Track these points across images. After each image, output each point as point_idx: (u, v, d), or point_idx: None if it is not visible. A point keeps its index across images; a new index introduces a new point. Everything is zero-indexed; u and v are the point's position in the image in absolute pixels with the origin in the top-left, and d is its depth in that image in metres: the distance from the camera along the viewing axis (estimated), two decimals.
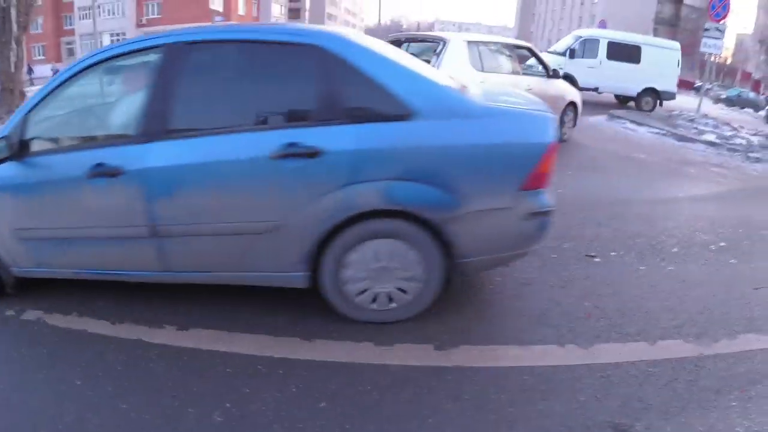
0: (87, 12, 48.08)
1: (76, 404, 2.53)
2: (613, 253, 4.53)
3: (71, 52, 52.86)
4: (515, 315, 3.39)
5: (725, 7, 13.93)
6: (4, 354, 3.07)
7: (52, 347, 3.03)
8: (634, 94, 16.44)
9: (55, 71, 38.18)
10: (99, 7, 45.25)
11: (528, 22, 74.53)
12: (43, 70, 39.61)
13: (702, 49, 15.06)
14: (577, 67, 15.60)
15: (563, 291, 3.75)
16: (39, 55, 49.29)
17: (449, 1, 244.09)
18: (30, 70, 38.90)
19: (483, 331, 3.16)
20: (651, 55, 16.41)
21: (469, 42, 7.26)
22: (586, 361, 2.89)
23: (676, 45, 17.50)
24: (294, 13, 74.14)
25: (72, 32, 52.99)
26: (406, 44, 8.03)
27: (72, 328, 3.22)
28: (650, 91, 16.53)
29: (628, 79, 16.02)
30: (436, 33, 7.92)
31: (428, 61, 6.96)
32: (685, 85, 51.15)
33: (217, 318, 3.23)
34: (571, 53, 16.09)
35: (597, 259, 4.38)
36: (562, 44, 17.21)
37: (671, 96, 17.45)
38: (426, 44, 7.80)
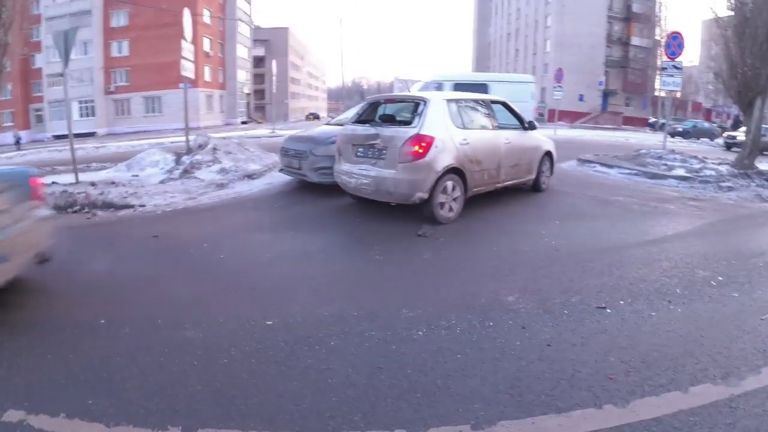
0: (55, 79, 48.59)
1: None
2: (621, 302, 4.45)
3: (40, 119, 53.46)
4: (544, 380, 3.21)
5: (680, 46, 14.35)
6: None
7: None
8: None
9: (18, 138, 38.13)
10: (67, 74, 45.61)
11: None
12: (6, 137, 39.64)
13: (661, 87, 15.46)
14: None
15: (585, 348, 3.62)
16: (8, 122, 48.97)
17: (406, 60, 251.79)
18: (17, 138, 38.51)
19: (516, 402, 2.98)
20: (500, 92, 15.54)
21: (448, 100, 7.29)
22: (628, 420, 2.79)
23: (528, 78, 17.59)
24: (259, 78, 75.35)
25: (41, 99, 52.71)
26: (383, 105, 8.04)
27: None
28: None
29: None
30: (415, 93, 7.93)
31: (408, 122, 6.96)
32: (639, 122, 53.13)
33: (229, 413, 2.95)
34: None
35: (608, 311, 4.27)
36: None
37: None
38: (404, 104, 7.85)
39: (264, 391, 3.16)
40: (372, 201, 7.56)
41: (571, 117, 50.32)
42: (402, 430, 2.74)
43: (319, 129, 10.86)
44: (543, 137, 9.43)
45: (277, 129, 33.40)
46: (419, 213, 7.05)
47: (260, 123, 61.82)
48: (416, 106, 7.14)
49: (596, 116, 54.81)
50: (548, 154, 9.45)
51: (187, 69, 13.13)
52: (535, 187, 9.34)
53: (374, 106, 8.17)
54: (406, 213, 7.28)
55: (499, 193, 8.46)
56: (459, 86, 15.45)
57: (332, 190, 8.51)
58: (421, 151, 6.62)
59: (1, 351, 3.83)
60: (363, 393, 3.10)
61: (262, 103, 77.05)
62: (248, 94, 70.57)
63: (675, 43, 14.46)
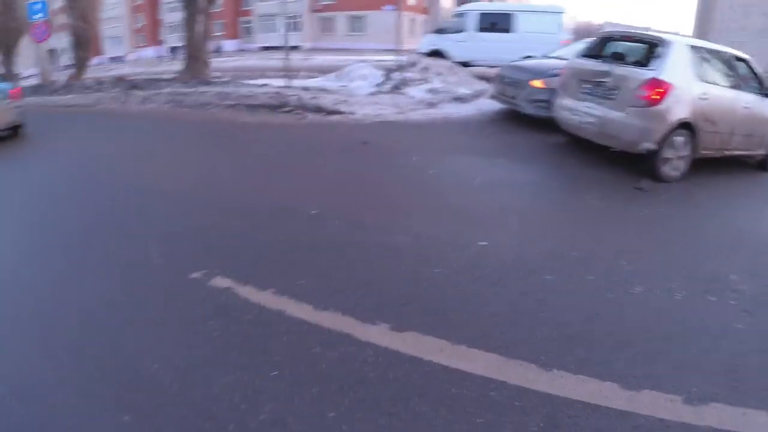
0: None
1: (272, 403, 2.35)
2: None
3: (248, 31, 57.38)
4: (764, 373, 2.89)
5: None
6: (188, 322, 2.88)
7: (244, 324, 2.85)
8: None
9: (218, 47, 42.80)
10: None
11: (706, 29, 69.06)
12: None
13: None
14: (448, 42, 16.04)
15: None
16: (219, 32, 52.86)
17: (620, 2, 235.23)
18: (219, 47, 43.06)
19: (731, 387, 2.72)
20: (527, 23, 15.41)
21: (692, 47, 6.59)
22: None
23: (558, 8, 16.00)
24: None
25: (249, 12, 56.53)
26: (616, 43, 7.57)
27: (267, 306, 3.03)
28: None
29: (500, 50, 14.71)
30: (654, 33, 7.29)
31: (644, 63, 6.53)
32: None
33: (437, 323, 2.99)
34: (440, 30, 16.57)
35: None
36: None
37: None
38: (641, 44, 7.31)
39: (474, 309, 3.18)
40: (587, 143, 7.17)
41: None
42: (614, 384, 2.63)
43: (538, 60, 10.46)
44: None
45: None
46: (637, 164, 6.59)
47: None
48: (655, 47, 6.55)
49: None
50: None
51: None
52: (763, 165, 8.15)
53: (605, 41, 7.63)
54: (623, 162, 6.82)
55: (723, 164, 7.57)
56: (484, 15, 15.84)
57: (544, 124, 8.22)
58: (657, 97, 6.08)
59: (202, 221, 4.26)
60: (577, 334, 3.01)
61: None
62: None
63: None
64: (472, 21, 15.95)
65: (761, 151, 7.82)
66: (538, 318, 3.14)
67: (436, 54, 15.69)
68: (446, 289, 3.39)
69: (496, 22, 15.82)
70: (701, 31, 75.29)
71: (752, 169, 8.10)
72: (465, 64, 14.77)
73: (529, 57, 11.29)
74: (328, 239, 4.06)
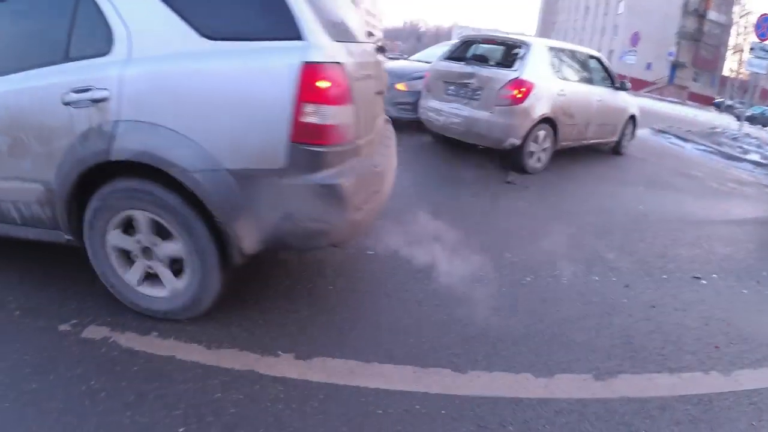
0: None
1: None
2: (714, 276, 4.43)
3: None
4: (654, 340, 3.24)
5: None
6: (67, 386, 2.35)
7: (134, 379, 2.41)
8: None
9: None
10: None
11: (549, 30, 74.30)
12: None
13: (747, 68, 14.96)
14: None
15: (687, 314, 3.65)
16: None
17: (467, 6, 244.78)
18: None
19: (630, 357, 3.01)
20: None
21: (550, 48, 7.14)
22: (732, 388, 2.82)
23: None
24: None
25: None
26: (477, 45, 8.00)
27: (155, 353, 2.59)
28: None
29: None
30: (515, 36, 7.81)
31: (506, 64, 7.00)
32: (704, 100, 51.01)
33: (340, 343, 2.83)
34: None
35: (703, 282, 4.27)
36: None
37: None
38: (502, 46, 7.86)
39: (374, 323, 3.09)
40: (452, 141, 7.54)
41: (636, 85, 48.27)
42: (528, 374, 2.74)
43: (400, 63, 10.75)
44: (630, 99, 9.22)
45: None
46: (503, 159, 7.07)
47: None
48: (516, 49, 7.04)
49: (662, 87, 52.40)
50: (632, 117, 9.28)
51: None
52: (616, 150, 9.28)
53: (467, 44, 8.06)
54: (488, 157, 7.28)
55: (581, 152, 8.42)
56: None
57: (410, 126, 8.40)
58: (519, 95, 6.51)
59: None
60: (482, 332, 3.08)
61: None
62: None
63: (766, 25, 13.87)
64: None
65: (614, 138, 8.82)
66: (439, 323, 3.16)
67: None
68: (343, 305, 3.28)
69: None
70: (544, 32, 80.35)
71: (606, 154, 9.00)
72: None
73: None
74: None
